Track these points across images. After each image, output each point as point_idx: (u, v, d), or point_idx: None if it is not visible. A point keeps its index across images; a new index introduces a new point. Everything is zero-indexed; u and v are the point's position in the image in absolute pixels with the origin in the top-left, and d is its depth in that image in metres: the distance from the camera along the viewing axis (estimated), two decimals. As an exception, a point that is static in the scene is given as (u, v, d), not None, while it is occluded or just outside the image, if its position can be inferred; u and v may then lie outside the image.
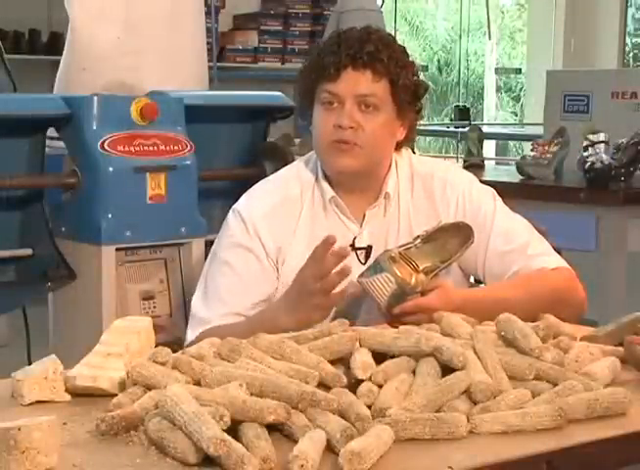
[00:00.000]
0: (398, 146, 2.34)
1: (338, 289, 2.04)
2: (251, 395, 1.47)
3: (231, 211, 2.34)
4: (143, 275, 3.03)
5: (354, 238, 2.30)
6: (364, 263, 2.26)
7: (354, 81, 2.23)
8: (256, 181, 2.42)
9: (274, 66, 7.55)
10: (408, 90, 2.27)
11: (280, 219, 2.29)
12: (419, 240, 2.13)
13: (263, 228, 2.28)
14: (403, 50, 2.31)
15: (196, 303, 2.31)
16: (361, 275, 2.11)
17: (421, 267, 2.08)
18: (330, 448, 1.40)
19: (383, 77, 2.24)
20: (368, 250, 2.29)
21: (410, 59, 2.31)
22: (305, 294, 2.05)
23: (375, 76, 2.24)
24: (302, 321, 2.01)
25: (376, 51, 2.23)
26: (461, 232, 2.16)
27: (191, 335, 2.25)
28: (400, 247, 2.12)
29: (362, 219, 2.32)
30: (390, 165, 2.34)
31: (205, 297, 2.29)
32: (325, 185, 2.31)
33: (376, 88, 2.24)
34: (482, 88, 13.71)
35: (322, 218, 2.31)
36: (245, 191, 2.39)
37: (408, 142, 2.36)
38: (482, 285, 2.42)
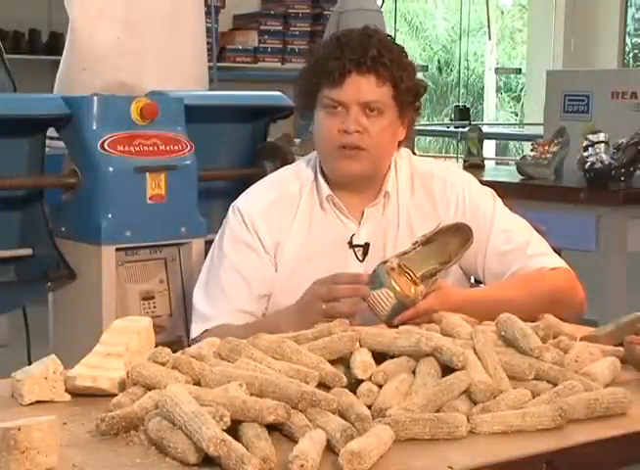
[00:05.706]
0: (399, 145, 2.34)
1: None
2: (251, 395, 1.47)
3: (230, 207, 2.36)
4: (143, 275, 3.03)
5: (352, 235, 2.31)
6: (362, 261, 2.28)
7: (358, 87, 2.22)
8: (257, 181, 2.44)
9: (274, 66, 7.55)
10: (410, 92, 2.28)
11: (277, 215, 2.30)
12: (418, 244, 2.12)
13: (261, 224, 2.29)
14: (402, 51, 2.31)
15: (199, 297, 2.33)
16: None
17: (419, 275, 2.06)
18: (330, 448, 1.40)
19: (386, 81, 2.23)
20: (365, 247, 2.30)
21: (409, 59, 2.31)
22: (311, 310, 2.05)
23: (379, 81, 2.23)
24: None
25: (379, 55, 2.22)
26: (460, 233, 2.16)
27: (195, 331, 2.28)
28: (399, 254, 2.11)
29: (361, 217, 2.32)
30: (390, 165, 2.34)
31: (208, 293, 2.31)
32: (322, 184, 2.32)
33: (380, 93, 2.23)
34: (482, 88, 13.73)
35: (320, 216, 2.32)
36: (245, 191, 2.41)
37: (407, 140, 2.37)
38: (482, 285, 2.42)
